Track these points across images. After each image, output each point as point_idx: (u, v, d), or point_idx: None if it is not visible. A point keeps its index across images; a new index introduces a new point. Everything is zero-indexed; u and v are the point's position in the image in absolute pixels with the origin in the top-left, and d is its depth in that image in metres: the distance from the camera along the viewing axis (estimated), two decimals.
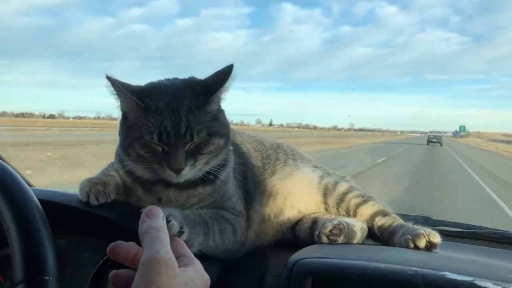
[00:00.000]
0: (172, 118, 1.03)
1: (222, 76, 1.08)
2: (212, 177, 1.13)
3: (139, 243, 1.08)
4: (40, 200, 1.01)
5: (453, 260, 1.01)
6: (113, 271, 0.66)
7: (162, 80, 1.15)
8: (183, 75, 1.19)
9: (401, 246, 1.23)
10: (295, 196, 1.39)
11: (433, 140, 50.15)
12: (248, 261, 1.27)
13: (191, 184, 1.12)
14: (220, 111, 1.12)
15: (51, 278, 0.85)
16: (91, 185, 1.17)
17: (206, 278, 0.63)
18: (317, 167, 1.47)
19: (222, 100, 1.12)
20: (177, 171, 1.04)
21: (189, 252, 0.67)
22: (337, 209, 1.38)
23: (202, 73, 1.16)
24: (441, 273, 0.83)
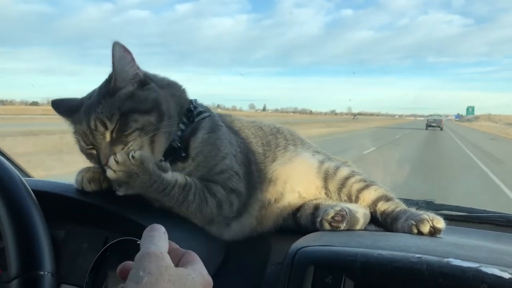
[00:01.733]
0: (86, 120, 1.07)
1: (113, 58, 1.07)
2: (184, 154, 1.14)
3: (135, 232, 1.08)
4: (36, 191, 1.00)
5: (458, 246, 0.99)
6: (121, 265, 0.69)
7: (94, 89, 1.18)
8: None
9: (404, 232, 1.21)
10: (295, 181, 1.37)
11: (433, 124, 46.45)
12: (249, 249, 1.26)
13: (172, 160, 1.13)
14: (141, 89, 1.11)
15: (46, 273, 0.83)
16: (85, 172, 1.17)
17: (207, 278, 0.65)
18: (317, 152, 1.45)
19: (137, 76, 1.11)
20: (109, 163, 1.03)
21: (191, 256, 0.68)
22: (338, 194, 1.36)
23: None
24: (446, 259, 0.81)
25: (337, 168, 1.38)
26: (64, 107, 1.18)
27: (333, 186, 1.37)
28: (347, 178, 1.36)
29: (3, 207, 0.87)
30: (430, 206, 1.82)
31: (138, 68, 1.12)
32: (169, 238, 1.09)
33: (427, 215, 1.19)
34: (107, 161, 1.04)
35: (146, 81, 1.13)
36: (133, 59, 1.10)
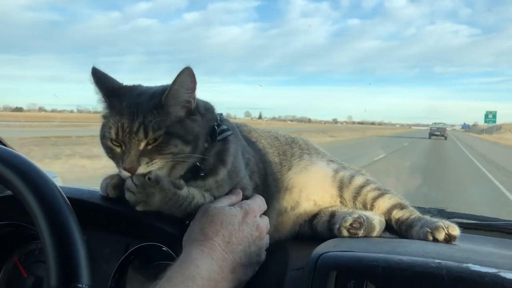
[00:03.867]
0: (129, 117, 1.07)
1: (176, 79, 1.08)
2: (202, 173, 1.16)
3: (157, 238, 1.14)
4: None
5: (475, 252, 1.02)
6: None
7: (139, 85, 1.19)
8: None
9: (419, 239, 1.23)
10: (311, 190, 1.40)
11: (436, 133, 44.51)
12: (268, 255, 1.29)
13: (187, 178, 1.15)
14: (188, 118, 1.12)
15: (85, 285, 0.86)
16: (110, 178, 1.21)
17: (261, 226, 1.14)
18: (332, 161, 1.48)
19: (186, 104, 1.12)
20: (130, 170, 1.07)
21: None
22: (353, 202, 1.39)
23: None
24: (465, 265, 0.83)
25: (352, 177, 1.41)
26: (107, 84, 1.16)
27: (348, 194, 1.40)
28: (362, 187, 1.39)
29: (44, 219, 0.90)
30: (442, 214, 1.84)
31: (194, 98, 1.13)
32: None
33: (442, 222, 1.22)
34: (130, 167, 1.06)
35: (194, 111, 1.14)
36: (193, 88, 1.11)
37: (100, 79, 1.15)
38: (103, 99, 1.14)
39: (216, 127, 1.19)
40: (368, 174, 1.54)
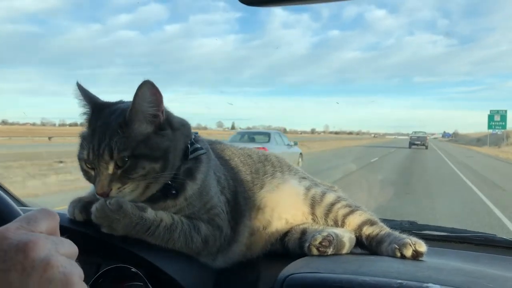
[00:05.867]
0: (99, 138, 1.08)
1: (136, 94, 1.08)
2: (174, 191, 1.16)
3: (127, 259, 1.09)
4: None
5: (438, 269, 1.04)
6: None
7: (119, 101, 1.20)
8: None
9: (388, 255, 1.26)
10: (283, 208, 1.41)
11: (416, 142, 41.81)
12: (239, 275, 1.29)
13: (158, 197, 1.16)
14: (156, 134, 1.11)
15: None
16: (76, 202, 1.20)
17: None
18: (304, 178, 1.50)
19: (153, 119, 1.11)
20: (102, 195, 1.08)
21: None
22: (325, 219, 1.41)
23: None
24: (425, 285, 0.86)
25: (323, 194, 1.43)
26: (91, 98, 1.18)
27: (320, 211, 1.41)
28: (333, 204, 1.41)
29: None
30: (414, 226, 1.88)
31: (162, 111, 1.12)
32: (159, 264, 1.12)
33: (409, 239, 1.24)
34: (101, 192, 1.07)
35: (163, 126, 1.13)
36: (157, 101, 1.10)
37: (86, 93, 1.17)
38: (87, 113, 1.16)
39: (189, 145, 1.20)
40: (340, 190, 1.56)
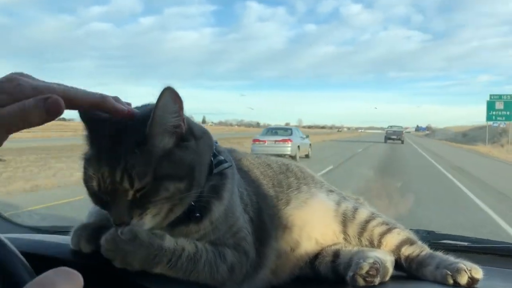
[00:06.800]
0: (110, 162, 0.86)
1: (157, 104, 0.87)
2: (198, 214, 0.98)
3: None
4: (24, 253, 0.82)
5: None
6: None
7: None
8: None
9: (435, 281, 1.12)
10: (312, 227, 1.25)
11: (392, 136, 40.06)
12: None
13: (178, 221, 0.97)
14: (180, 146, 0.92)
15: None
16: (81, 230, 1.01)
17: None
18: (331, 191, 1.34)
19: (175, 130, 0.91)
20: (121, 225, 0.89)
21: None
22: (358, 238, 1.25)
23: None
24: None
25: (355, 210, 1.28)
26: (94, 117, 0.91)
27: (352, 230, 1.26)
28: (367, 221, 1.26)
29: None
30: (431, 236, 1.76)
31: (183, 119, 0.92)
32: None
33: (464, 264, 1.10)
34: (120, 222, 0.88)
35: (186, 136, 0.94)
36: (180, 109, 0.90)
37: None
38: (84, 126, 0.92)
39: (212, 158, 1.01)
40: (366, 203, 1.41)
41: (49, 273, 0.47)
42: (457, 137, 62.99)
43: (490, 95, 38.25)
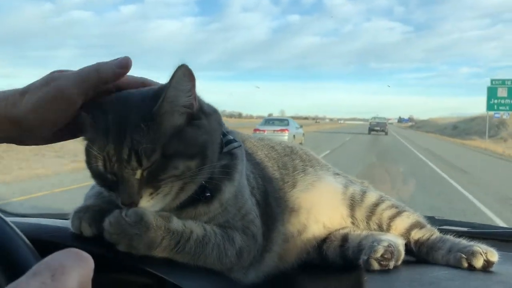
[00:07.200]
0: (116, 140, 0.83)
1: (171, 81, 0.85)
2: (208, 193, 0.93)
3: (144, 282, 0.88)
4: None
5: None
6: None
7: (129, 90, 0.93)
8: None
9: (447, 265, 1.09)
10: (319, 210, 1.21)
11: (376, 128, 39.34)
12: None
13: (187, 202, 0.92)
14: (191, 124, 0.89)
15: None
16: (83, 212, 0.93)
17: None
18: (338, 174, 1.30)
19: (186, 109, 0.88)
20: (130, 206, 0.84)
21: None
22: (367, 222, 1.22)
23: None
24: None
25: (363, 193, 1.24)
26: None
27: (361, 214, 1.22)
28: (376, 205, 1.22)
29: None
30: (431, 221, 1.74)
31: (195, 98, 0.89)
32: (184, 285, 0.91)
33: (479, 247, 1.07)
34: (129, 203, 0.83)
35: (197, 115, 0.90)
36: (193, 87, 0.87)
37: None
38: (86, 116, 0.88)
39: (222, 137, 0.97)
40: (371, 186, 1.38)
41: (57, 255, 0.42)
42: (446, 129, 57.42)
43: (492, 80, 32.07)
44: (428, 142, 32.52)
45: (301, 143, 21.41)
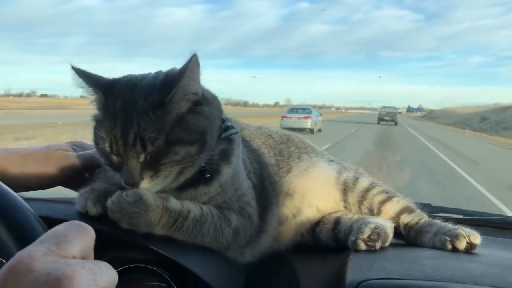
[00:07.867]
0: (123, 123, 0.89)
1: (183, 68, 0.91)
2: (208, 175, 1.00)
3: (146, 259, 0.94)
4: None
5: (508, 266, 0.94)
6: None
7: (134, 75, 1.00)
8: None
9: (434, 247, 1.15)
10: (313, 194, 1.27)
11: (386, 118, 39.10)
12: (272, 272, 1.15)
13: (187, 183, 1.00)
14: (194, 111, 0.95)
15: None
16: (89, 192, 1.00)
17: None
18: (332, 161, 1.36)
19: (193, 97, 0.95)
20: (133, 185, 0.92)
21: None
22: (358, 207, 1.28)
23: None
24: None
25: (356, 179, 1.30)
26: (94, 77, 0.98)
27: (353, 198, 1.28)
28: (367, 190, 1.28)
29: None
30: (427, 208, 1.79)
31: (199, 84, 0.95)
32: (183, 262, 0.97)
33: (462, 230, 1.13)
34: (131, 183, 0.91)
35: (200, 101, 0.96)
36: (199, 74, 0.94)
37: (88, 77, 0.96)
38: (94, 93, 0.96)
39: (220, 123, 1.04)
40: (366, 172, 1.44)
41: (61, 226, 0.49)
42: (470, 121, 46.90)
43: None
44: (463, 144, 24.82)
45: (320, 129, 25.90)
